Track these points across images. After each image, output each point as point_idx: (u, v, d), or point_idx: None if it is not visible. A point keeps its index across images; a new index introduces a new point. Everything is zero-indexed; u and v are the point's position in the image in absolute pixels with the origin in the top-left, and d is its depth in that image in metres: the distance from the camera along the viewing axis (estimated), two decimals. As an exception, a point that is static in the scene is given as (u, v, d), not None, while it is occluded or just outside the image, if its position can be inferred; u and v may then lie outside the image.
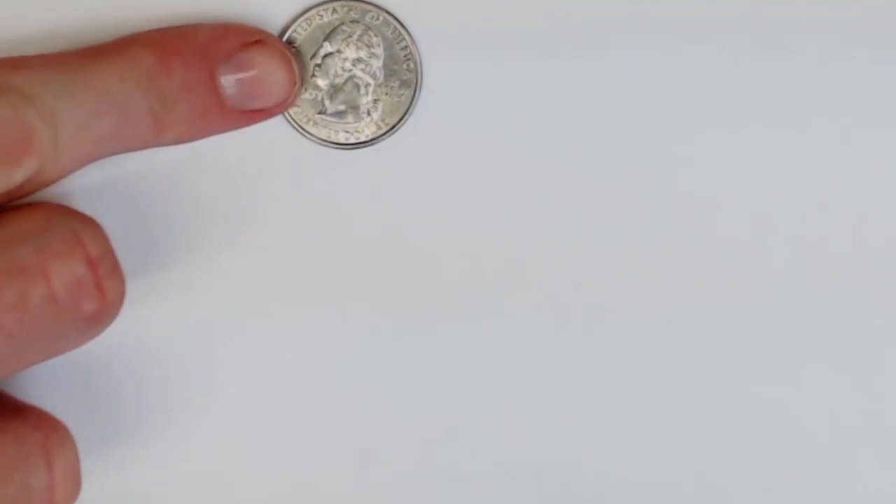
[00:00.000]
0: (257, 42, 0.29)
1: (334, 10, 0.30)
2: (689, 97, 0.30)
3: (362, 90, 0.30)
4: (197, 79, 0.28)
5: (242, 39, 0.29)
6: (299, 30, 0.30)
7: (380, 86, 0.30)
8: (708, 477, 0.31)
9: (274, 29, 0.30)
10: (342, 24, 0.30)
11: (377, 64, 0.30)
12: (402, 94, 0.30)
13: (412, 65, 0.30)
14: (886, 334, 0.31)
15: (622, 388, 0.31)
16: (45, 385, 0.30)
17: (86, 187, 0.30)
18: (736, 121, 0.30)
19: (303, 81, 0.30)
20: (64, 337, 0.27)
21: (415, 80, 0.30)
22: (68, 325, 0.27)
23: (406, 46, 0.30)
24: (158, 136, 0.28)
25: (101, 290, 0.27)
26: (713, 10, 0.30)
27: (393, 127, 0.30)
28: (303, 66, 0.30)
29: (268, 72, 0.29)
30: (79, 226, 0.27)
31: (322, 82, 0.30)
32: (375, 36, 0.30)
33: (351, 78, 0.30)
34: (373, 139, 0.30)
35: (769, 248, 0.30)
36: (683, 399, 0.31)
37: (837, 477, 0.31)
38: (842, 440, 0.31)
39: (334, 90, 0.30)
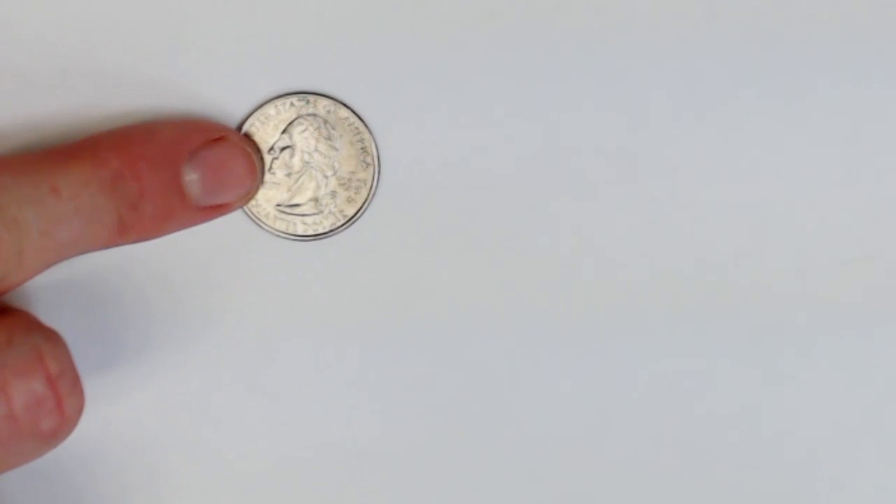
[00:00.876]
0: (220, 139, 0.29)
1: (291, 104, 0.30)
2: (689, 97, 0.30)
3: (320, 182, 0.30)
4: (163, 180, 0.28)
5: (205, 136, 0.28)
6: (257, 123, 0.30)
7: (338, 177, 0.30)
8: (708, 477, 0.31)
9: (231, 123, 0.30)
10: (299, 117, 0.30)
11: (335, 156, 0.30)
12: (361, 186, 0.30)
13: (369, 158, 0.30)
14: (886, 334, 0.31)
15: (623, 388, 0.31)
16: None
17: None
18: (736, 121, 0.30)
19: (262, 175, 0.30)
20: (21, 452, 0.27)
21: (373, 171, 0.30)
22: (26, 442, 0.26)
23: (363, 139, 0.30)
24: (122, 236, 0.28)
25: (60, 408, 0.26)
26: (713, 10, 0.30)
27: (351, 218, 0.30)
28: (261, 159, 0.30)
29: (230, 168, 0.29)
30: (41, 341, 0.26)
31: (280, 175, 0.30)
32: (333, 129, 0.30)
33: (308, 170, 0.30)
34: (332, 230, 0.30)
35: (769, 249, 0.30)
36: (683, 399, 0.31)
37: (837, 477, 0.31)
38: (842, 440, 0.31)
39: (292, 183, 0.30)
